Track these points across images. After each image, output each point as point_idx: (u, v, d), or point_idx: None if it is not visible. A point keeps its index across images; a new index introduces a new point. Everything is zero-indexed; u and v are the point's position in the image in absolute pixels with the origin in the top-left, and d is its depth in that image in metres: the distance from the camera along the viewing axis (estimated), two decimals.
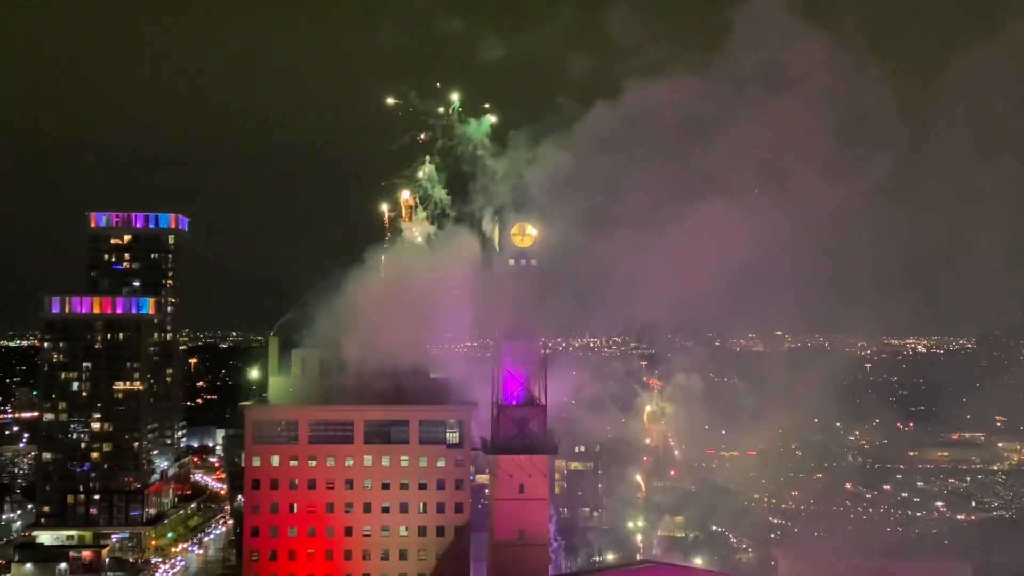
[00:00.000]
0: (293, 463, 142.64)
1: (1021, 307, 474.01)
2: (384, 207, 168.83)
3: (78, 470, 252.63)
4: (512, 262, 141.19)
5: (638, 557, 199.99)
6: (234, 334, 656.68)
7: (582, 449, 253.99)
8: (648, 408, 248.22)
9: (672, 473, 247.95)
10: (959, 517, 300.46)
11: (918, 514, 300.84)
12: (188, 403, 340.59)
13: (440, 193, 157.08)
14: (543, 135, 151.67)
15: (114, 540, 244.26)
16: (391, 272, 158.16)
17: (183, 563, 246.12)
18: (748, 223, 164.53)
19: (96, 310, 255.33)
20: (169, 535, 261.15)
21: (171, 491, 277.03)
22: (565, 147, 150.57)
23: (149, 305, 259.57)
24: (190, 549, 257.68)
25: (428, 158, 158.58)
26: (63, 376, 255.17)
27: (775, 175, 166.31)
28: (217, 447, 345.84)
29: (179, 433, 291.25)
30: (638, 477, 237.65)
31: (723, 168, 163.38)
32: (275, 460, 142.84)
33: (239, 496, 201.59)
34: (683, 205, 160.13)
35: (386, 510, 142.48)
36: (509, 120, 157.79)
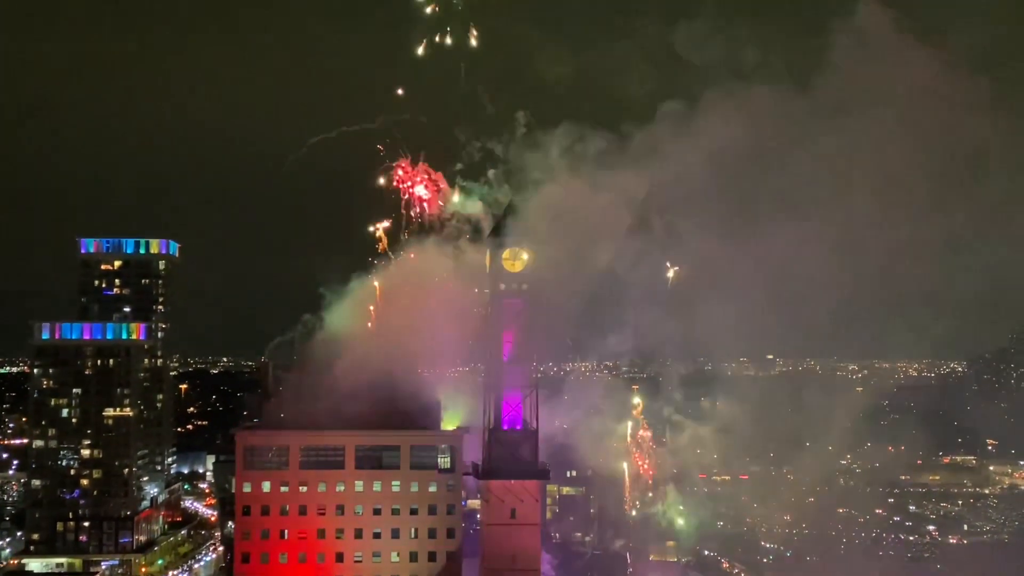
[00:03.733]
0: (284, 489, 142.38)
1: (1011, 331, 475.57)
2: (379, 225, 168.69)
3: (68, 497, 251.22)
4: (504, 287, 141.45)
5: None
6: (225, 359, 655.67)
7: (574, 474, 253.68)
8: (639, 433, 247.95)
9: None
10: (951, 541, 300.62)
11: (911, 538, 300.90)
12: (178, 429, 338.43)
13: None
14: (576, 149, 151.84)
15: (104, 567, 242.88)
16: (385, 294, 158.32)
17: None
18: (751, 248, 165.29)
19: (86, 336, 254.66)
20: (159, 562, 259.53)
21: (161, 518, 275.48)
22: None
23: (140, 331, 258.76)
24: None
25: (492, 173, 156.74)
26: (53, 402, 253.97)
27: (781, 201, 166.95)
28: (208, 473, 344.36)
29: (169, 459, 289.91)
30: (629, 501, 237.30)
31: (733, 193, 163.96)
32: (266, 486, 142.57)
33: (230, 522, 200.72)
34: (693, 230, 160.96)
35: (377, 536, 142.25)
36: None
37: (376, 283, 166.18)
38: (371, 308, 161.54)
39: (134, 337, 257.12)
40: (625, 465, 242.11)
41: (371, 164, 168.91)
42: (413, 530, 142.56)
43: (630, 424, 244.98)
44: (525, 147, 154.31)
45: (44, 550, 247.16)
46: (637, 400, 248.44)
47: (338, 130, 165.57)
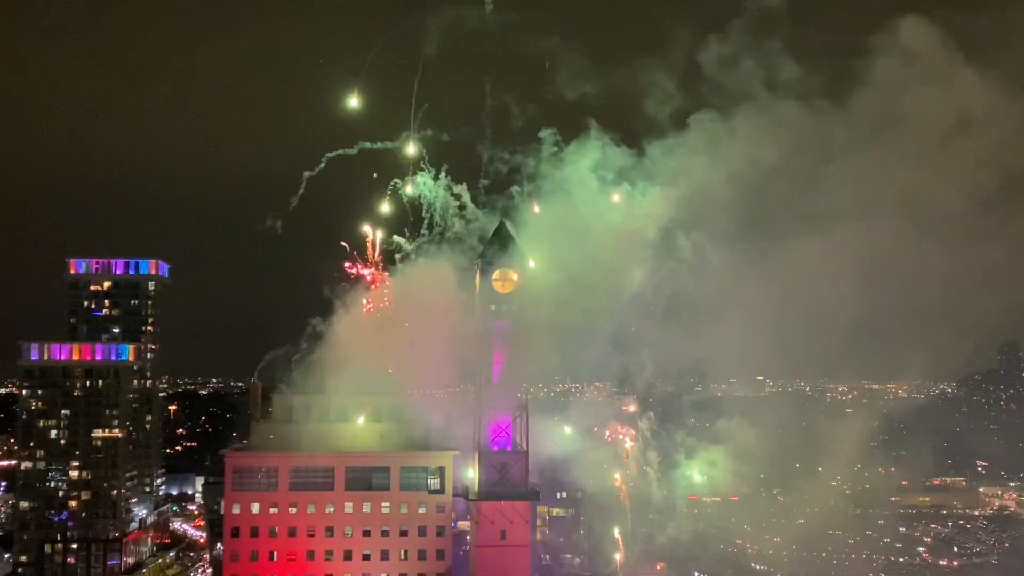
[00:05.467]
0: (273, 510, 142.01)
1: (1001, 352, 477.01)
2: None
3: (56, 519, 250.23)
4: (493, 308, 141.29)
5: None
6: (214, 380, 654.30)
7: (563, 495, 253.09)
8: (629, 454, 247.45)
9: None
10: (941, 563, 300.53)
11: (901, 559, 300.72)
12: (167, 450, 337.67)
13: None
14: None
15: None
16: (375, 316, 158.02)
17: None
18: (740, 269, 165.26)
19: (75, 357, 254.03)
20: None
21: (150, 540, 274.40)
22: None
23: (129, 352, 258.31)
24: None
25: (518, 189, 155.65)
26: (41, 424, 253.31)
27: (781, 224, 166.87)
28: (197, 495, 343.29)
29: (158, 481, 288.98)
30: (619, 523, 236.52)
31: (718, 213, 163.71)
32: (255, 507, 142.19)
33: (218, 544, 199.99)
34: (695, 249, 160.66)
35: (367, 557, 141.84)
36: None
37: (367, 304, 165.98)
38: (362, 329, 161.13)
39: (123, 358, 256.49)
40: (616, 486, 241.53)
41: (381, 183, 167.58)
42: (403, 552, 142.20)
43: (622, 445, 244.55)
44: (552, 164, 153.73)
45: (32, 572, 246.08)
46: (629, 420, 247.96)
47: (359, 146, 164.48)
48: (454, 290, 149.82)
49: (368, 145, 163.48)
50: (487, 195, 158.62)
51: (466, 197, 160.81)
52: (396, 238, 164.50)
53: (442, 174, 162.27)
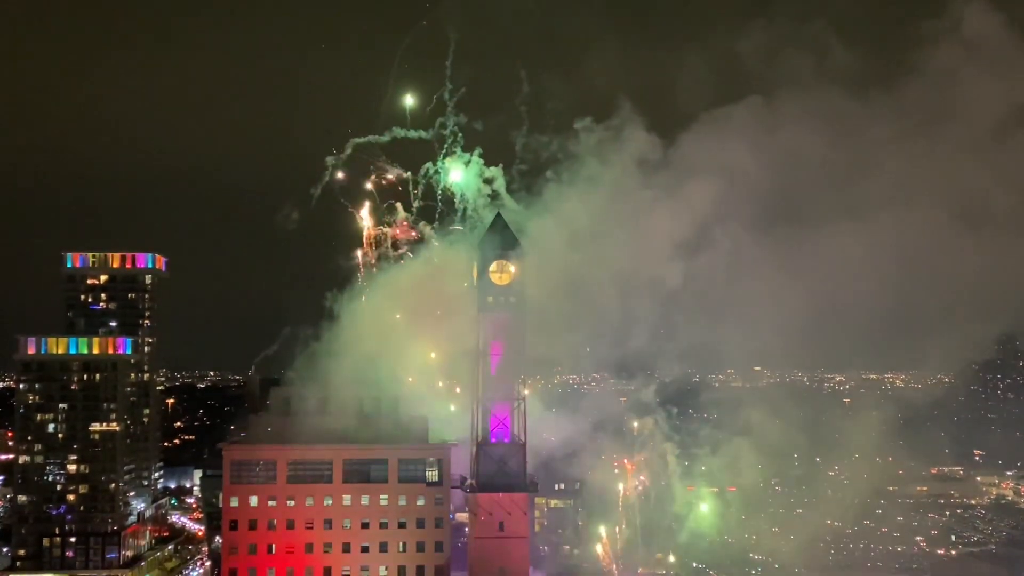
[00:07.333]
0: (271, 503, 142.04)
1: (998, 341, 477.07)
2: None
3: (54, 512, 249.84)
4: (491, 299, 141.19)
5: None
6: (212, 374, 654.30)
7: (562, 486, 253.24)
8: (627, 447, 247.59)
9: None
10: (939, 552, 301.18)
11: (899, 549, 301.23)
12: (165, 444, 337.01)
13: None
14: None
15: None
16: (372, 308, 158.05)
17: None
18: (736, 260, 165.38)
19: (73, 351, 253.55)
20: None
21: (148, 533, 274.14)
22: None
23: (127, 346, 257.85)
24: None
25: (552, 175, 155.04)
26: (39, 417, 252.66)
27: (773, 217, 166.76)
28: (195, 488, 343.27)
29: (156, 474, 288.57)
30: (618, 515, 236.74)
31: (714, 207, 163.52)
32: (253, 500, 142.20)
33: (217, 537, 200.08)
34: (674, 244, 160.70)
35: (365, 550, 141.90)
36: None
37: (366, 297, 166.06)
38: (360, 321, 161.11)
39: (122, 352, 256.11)
40: (615, 477, 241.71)
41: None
42: (401, 544, 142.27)
43: (621, 436, 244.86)
44: (587, 151, 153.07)
45: (30, 566, 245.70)
46: (628, 410, 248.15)
47: (389, 133, 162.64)
48: (459, 282, 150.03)
49: (400, 133, 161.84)
50: (521, 180, 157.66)
51: (500, 183, 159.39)
52: (424, 226, 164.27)
53: (474, 158, 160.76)
